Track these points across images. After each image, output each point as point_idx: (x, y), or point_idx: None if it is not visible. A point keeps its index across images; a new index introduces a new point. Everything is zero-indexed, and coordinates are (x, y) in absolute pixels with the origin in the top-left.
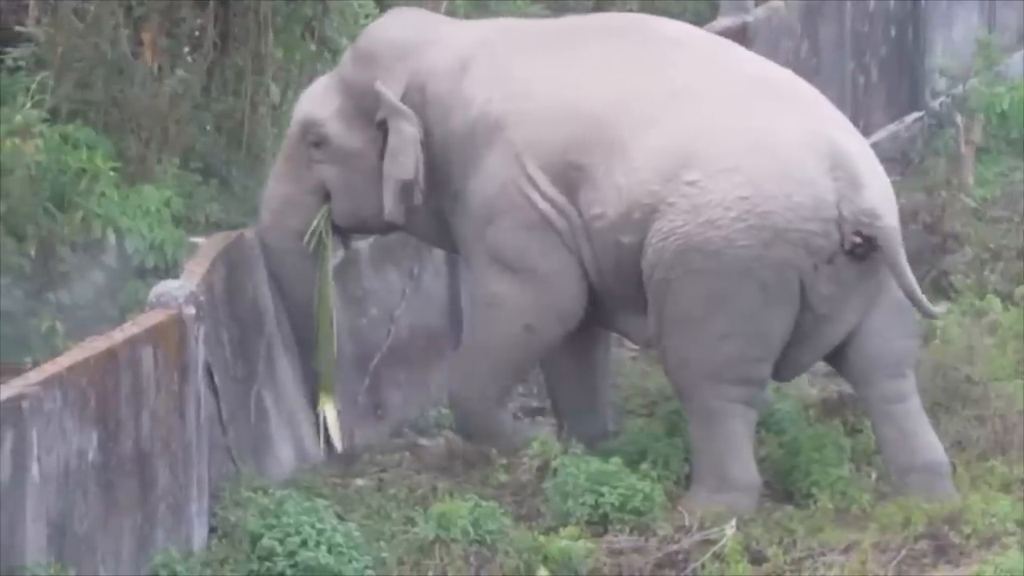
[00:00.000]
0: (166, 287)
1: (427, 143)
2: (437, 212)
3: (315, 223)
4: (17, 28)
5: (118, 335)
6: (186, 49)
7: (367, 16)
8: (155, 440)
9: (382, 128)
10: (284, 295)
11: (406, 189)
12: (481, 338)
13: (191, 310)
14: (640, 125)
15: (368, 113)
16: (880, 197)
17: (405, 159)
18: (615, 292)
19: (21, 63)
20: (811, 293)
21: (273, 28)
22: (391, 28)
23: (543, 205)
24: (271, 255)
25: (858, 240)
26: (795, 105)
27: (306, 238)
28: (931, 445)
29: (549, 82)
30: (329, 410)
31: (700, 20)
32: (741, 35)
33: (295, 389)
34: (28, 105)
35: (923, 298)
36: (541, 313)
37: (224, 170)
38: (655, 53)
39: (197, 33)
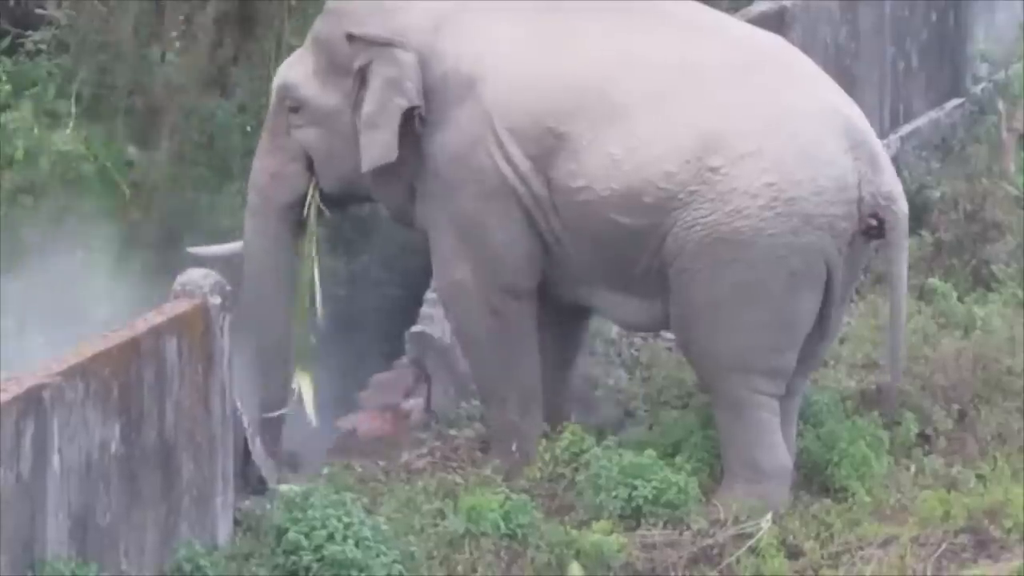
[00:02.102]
0: (191, 276)
1: None
2: (408, 179)
3: (308, 201)
4: (38, 10)
5: (142, 324)
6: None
7: None
8: (179, 432)
9: (362, 75)
10: (252, 283)
11: (408, 118)
12: (461, 337)
13: (216, 299)
14: (643, 97)
15: (342, 67)
16: (895, 178)
17: (409, 84)
18: (590, 268)
19: (42, 46)
20: (834, 278)
21: (296, 13)
22: None
23: (506, 169)
24: (251, 241)
25: (873, 223)
26: (798, 76)
27: (305, 211)
28: (790, 449)
29: (528, 43)
30: (304, 383)
31: (736, 4)
32: (779, 20)
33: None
34: (53, 93)
35: (905, 294)
36: (501, 293)
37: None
38: (646, 20)
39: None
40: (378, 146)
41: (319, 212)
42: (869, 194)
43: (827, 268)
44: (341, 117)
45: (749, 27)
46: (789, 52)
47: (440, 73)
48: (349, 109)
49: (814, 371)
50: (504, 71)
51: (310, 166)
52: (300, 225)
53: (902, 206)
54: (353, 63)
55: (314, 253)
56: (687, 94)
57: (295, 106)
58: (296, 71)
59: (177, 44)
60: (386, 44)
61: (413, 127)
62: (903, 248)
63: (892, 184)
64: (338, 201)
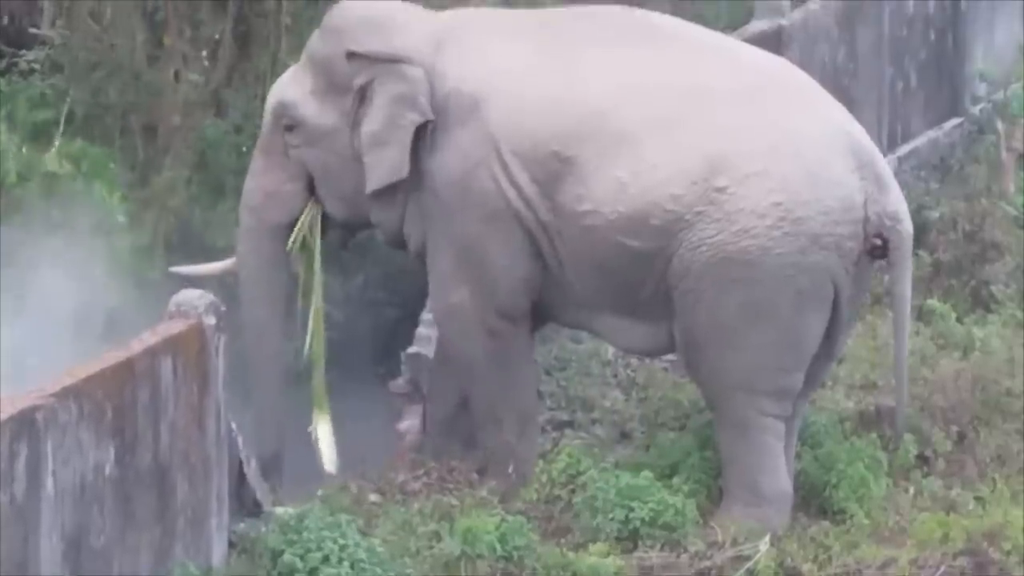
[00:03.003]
0: (186, 296)
1: None
2: (404, 200)
3: (300, 223)
4: (31, 30)
5: (136, 345)
6: (204, 53)
7: None
8: (174, 453)
9: (362, 93)
10: (248, 307)
11: (420, 134)
12: (457, 359)
13: (211, 319)
14: (649, 120)
15: (341, 86)
16: (901, 198)
17: (423, 99)
18: (595, 293)
19: (35, 66)
20: (841, 297)
21: (291, 32)
22: (361, 6)
23: (510, 192)
24: (245, 263)
25: (879, 242)
26: (803, 98)
27: (291, 240)
28: (789, 470)
29: (533, 65)
30: (323, 427)
31: (734, 23)
32: (776, 39)
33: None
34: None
35: (909, 314)
36: (498, 315)
37: (239, 181)
38: (650, 43)
39: (217, 36)
40: (387, 164)
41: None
42: (875, 214)
43: (834, 288)
44: (339, 136)
45: (754, 49)
46: (794, 74)
47: (442, 94)
48: (347, 128)
49: (813, 392)
50: (509, 94)
51: (307, 186)
52: (295, 246)
53: (907, 226)
54: (353, 81)
55: (320, 287)
56: (693, 117)
57: (291, 124)
58: (293, 90)
59: (172, 64)
60: (392, 60)
61: (423, 144)
62: (907, 268)
63: (897, 204)
64: (343, 225)
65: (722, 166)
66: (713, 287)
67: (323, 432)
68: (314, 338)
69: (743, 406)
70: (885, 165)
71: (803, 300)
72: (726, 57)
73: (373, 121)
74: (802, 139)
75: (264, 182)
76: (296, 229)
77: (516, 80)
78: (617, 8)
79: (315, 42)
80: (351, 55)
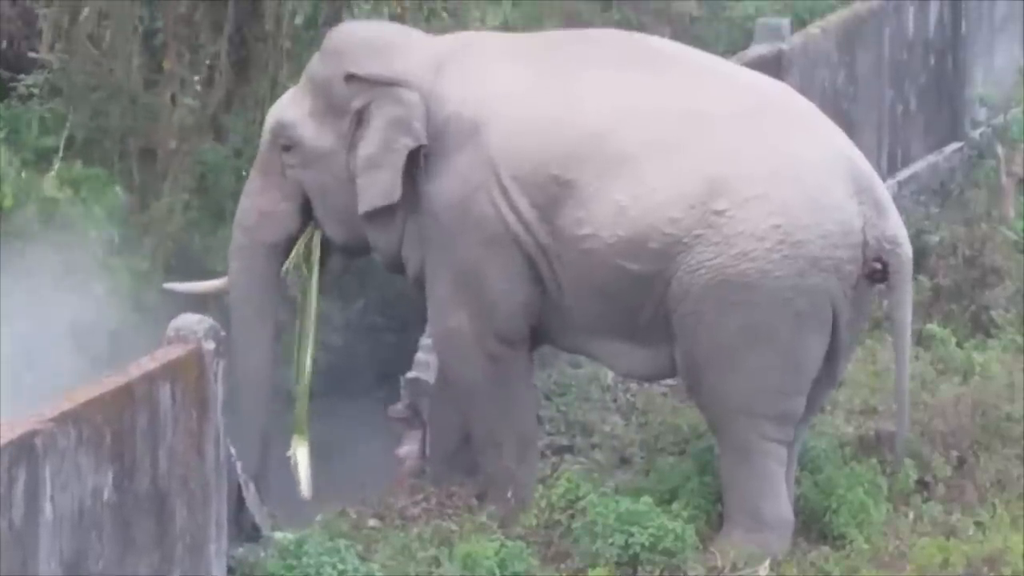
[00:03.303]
0: (185, 321)
1: None
2: (403, 224)
3: (298, 245)
4: (30, 54)
5: (135, 370)
6: (196, 78)
7: None
8: (172, 478)
9: (359, 115)
10: (237, 326)
11: (412, 159)
12: (456, 383)
13: (210, 344)
14: (648, 144)
15: (339, 108)
16: (900, 223)
17: (417, 124)
18: (594, 317)
19: (34, 90)
20: (840, 320)
21: (290, 56)
22: (361, 28)
23: (510, 217)
24: (236, 282)
25: (878, 266)
26: (804, 122)
27: (288, 261)
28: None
29: (533, 88)
30: (301, 452)
31: (734, 48)
32: (776, 63)
33: None
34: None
35: (909, 338)
36: (497, 339)
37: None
38: (649, 67)
39: (208, 62)
40: (379, 186)
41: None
42: (874, 238)
43: (833, 311)
44: (336, 158)
45: (753, 73)
46: (794, 98)
47: (441, 117)
48: (344, 150)
49: (813, 417)
50: (509, 117)
51: (303, 207)
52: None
53: (906, 250)
54: (350, 103)
55: (314, 309)
56: (693, 140)
57: (289, 145)
58: (292, 110)
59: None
60: (389, 84)
61: (416, 168)
62: (907, 292)
63: (896, 228)
64: (342, 248)
65: (721, 189)
66: (712, 310)
67: (301, 456)
68: (300, 362)
69: (745, 430)
70: (884, 190)
71: (802, 323)
72: (725, 81)
73: (369, 144)
74: (802, 163)
75: (260, 202)
76: (294, 251)
77: (516, 104)
78: (617, 32)
79: (315, 64)
80: (349, 77)
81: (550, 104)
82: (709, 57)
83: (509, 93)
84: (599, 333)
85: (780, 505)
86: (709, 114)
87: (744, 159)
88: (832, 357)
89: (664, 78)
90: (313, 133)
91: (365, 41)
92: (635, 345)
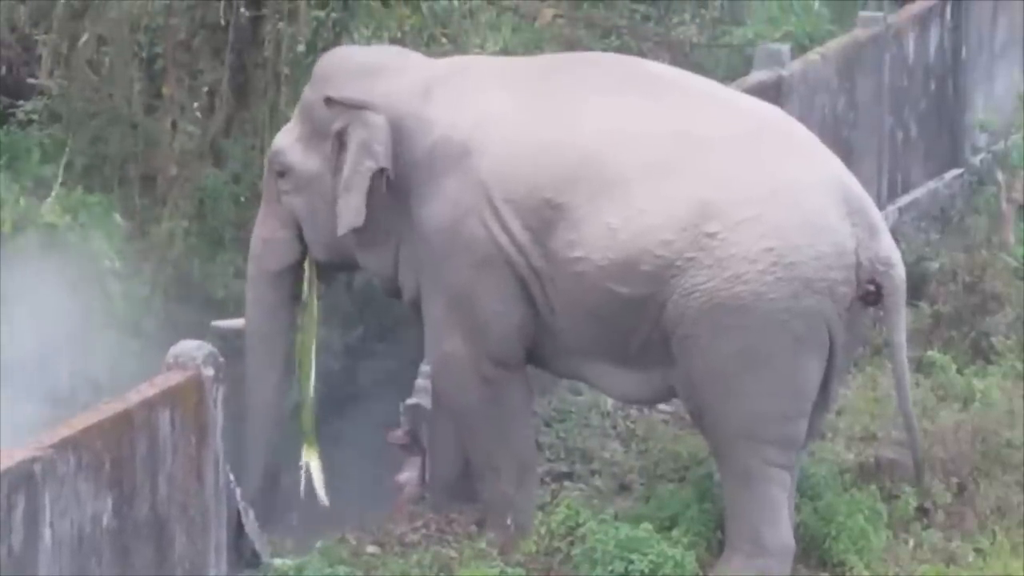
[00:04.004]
0: (184, 347)
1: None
2: (395, 248)
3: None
4: (30, 80)
5: (134, 396)
6: (195, 104)
7: None
8: (172, 504)
9: (340, 139)
10: (248, 355)
11: (376, 180)
12: (453, 408)
13: (210, 371)
14: (641, 167)
15: (322, 133)
16: (893, 245)
17: (378, 147)
18: (588, 341)
19: (34, 116)
20: (836, 343)
21: (289, 83)
22: (355, 53)
23: (502, 239)
24: (248, 314)
25: (871, 288)
26: (798, 146)
27: (305, 289)
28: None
29: (524, 112)
30: (313, 461)
31: (733, 74)
32: (776, 90)
33: None
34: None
35: (906, 359)
36: (492, 363)
37: (238, 232)
38: (645, 90)
39: (208, 88)
40: (351, 210)
41: (316, 284)
42: (867, 260)
43: (829, 333)
44: (322, 182)
45: (747, 97)
46: (787, 122)
47: (430, 141)
48: (329, 174)
49: (812, 442)
50: (501, 140)
51: (299, 234)
52: (296, 294)
53: (900, 272)
54: (331, 127)
55: (314, 327)
56: (685, 164)
57: (282, 171)
58: (284, 136)
59: (170, 114)
60: (359, 107)
61: (379, 190)
62: (901, 313)
63: (890, 250)
64: (326, 267)
65: (713, 212)
66: (708, 334)
67: (314, 465)
68: (303, 375)
69: (747, 455)
70: (877, 212)
71: (799, 345)
72: (720, 104)
73: (346, 167)
74: (795, 186)
75: (262, 230)
76: (305, 280)
77: (508, 127)
78: (612, 56)
79: (306, 89)
80: (328, 100)
81: (543, 127)
82: (705, 81)
83: (501, 116)
84: (592, 356)
85: (781, 531)
86: (703, 137)
87: (737, 182)
88: (826, 381)
89: (659, 102)
90: (301, 158)
91: (351, 64)
92: (629, 369)
